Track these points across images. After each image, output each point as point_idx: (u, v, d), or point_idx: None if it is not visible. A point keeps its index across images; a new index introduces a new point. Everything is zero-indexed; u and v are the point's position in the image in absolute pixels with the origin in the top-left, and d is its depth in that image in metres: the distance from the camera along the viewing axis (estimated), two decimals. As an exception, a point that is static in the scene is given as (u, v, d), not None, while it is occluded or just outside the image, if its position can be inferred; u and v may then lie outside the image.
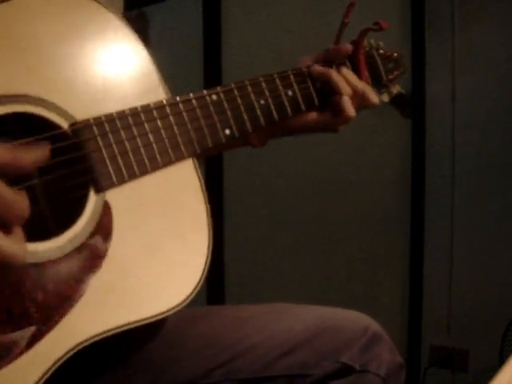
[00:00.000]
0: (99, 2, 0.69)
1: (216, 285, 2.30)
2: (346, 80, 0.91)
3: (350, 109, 0.90)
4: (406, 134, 2.03)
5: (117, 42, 0.70)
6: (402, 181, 2.06)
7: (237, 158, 2.12)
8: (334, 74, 0.90)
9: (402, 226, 2.08)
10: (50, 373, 0.60)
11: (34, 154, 0.57)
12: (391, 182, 2.10)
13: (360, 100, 0.92)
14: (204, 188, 0.75)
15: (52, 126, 0.64)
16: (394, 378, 0.83)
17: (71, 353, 0.61)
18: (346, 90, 0.90)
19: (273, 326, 0.82)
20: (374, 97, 0.93)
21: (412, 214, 2.05)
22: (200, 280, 0.72)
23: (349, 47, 0.92)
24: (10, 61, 0.62)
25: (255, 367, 0.79)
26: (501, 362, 1.83)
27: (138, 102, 0.70)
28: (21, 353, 0.58)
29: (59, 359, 0.61)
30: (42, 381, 0.59)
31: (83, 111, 0.66)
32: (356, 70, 0.94)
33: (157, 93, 0.73)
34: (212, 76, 2.25)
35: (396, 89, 1.03)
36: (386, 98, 1.02)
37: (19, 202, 0.55)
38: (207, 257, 0.73)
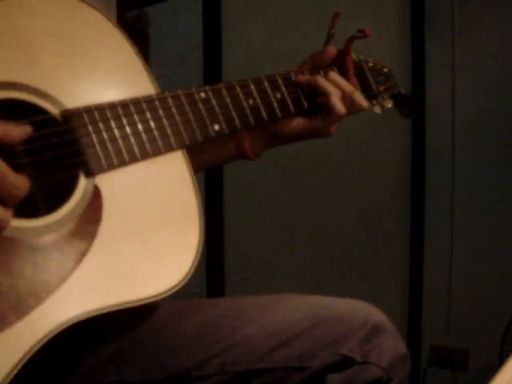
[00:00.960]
0: (90, 5, 0.72)
1: (216, 278, 2.30)
2: (333, 83, 0.92)
3: (339, 106, 0.90)
4: (406, 133, 2.03)
5: (106, 40, 0.73)
6: (402, 181, 2.06)
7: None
8: (319, 78, 0.91)
9: (401, 226, 2.08)
10: (37, 347, 0.60)
11: (20, 129, 0.60)
12: (391, 182, 2.10)
13: (349, 103, 0.93)
14: (195, 180, 0.76)
15: (43, 112, 0.66)
16: (397, 368, 0.82)
17: (58, 330, 0.62)
18: (333, 90, 0.91)
19: (269, 316, 0.81)
20: (362, 100, 0.94)
21: (412, 213, 2.06)
22: (191, 268, 0.72)
23: (333, 50, 0.94)
24: (2, 52, 0.64)
25: (250, 359, 0.78)
26: (501, 362, 1.83)
27: (126, 96, 0.73)
28: (7, 326, 0.59)
29: (48, 334, 0.61)
30: (28, 356, 0.59)
31: (74, 102, 0.68)
32: (344, 76, 0.95)
33: (145, 88, 0.75)
34: (212, 76, 2.25)
35: (388, 104, 1.05)
36: (378, 110, 1.04)
37: (19, 182, 0.58)
38: (198, 245, 0.74)
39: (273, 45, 2.16)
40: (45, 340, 0.61)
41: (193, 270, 0.72)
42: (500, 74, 1.89)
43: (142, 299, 0.68)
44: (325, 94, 0.91)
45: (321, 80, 0.91)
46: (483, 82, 1.91)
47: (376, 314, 0.83)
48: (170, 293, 0.70)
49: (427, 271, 2.06)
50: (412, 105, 1.96)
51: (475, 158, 1.96)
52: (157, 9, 2.32)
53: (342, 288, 2.15)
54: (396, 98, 1.08)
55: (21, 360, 0.59)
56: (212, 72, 2.25)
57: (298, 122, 0.92)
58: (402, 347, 0.83)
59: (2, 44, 0.64)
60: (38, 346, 0.60)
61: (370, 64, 1.02)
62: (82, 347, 0.76)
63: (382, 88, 1.03)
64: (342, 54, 0.96)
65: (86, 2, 0.71)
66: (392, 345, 0.82)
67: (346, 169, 2.13)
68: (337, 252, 2.17)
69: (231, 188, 2.31)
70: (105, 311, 0.65)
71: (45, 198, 0.66)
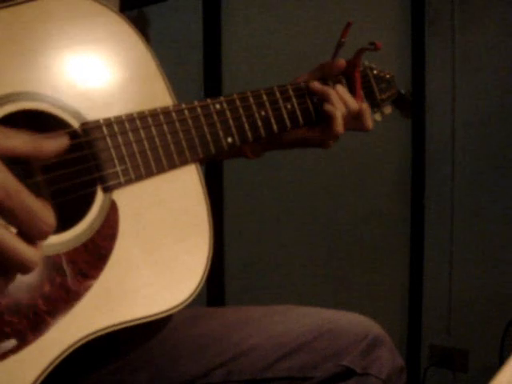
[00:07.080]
0: (111, 9, 0.71)
1: (216, 284, 2.30)
2: (340, 98, 0.94)
3: (339, 126, 0.93)
4: (406, 133, 2.03)
5: (126, 48, 0.73)
6: (402, 181, 2.06)
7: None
8: (332, 91, 0.93)
9: (402, 226, 2.08)
10: (54, 364, 0.61)
11: (54, 144, 0.57)
12: (391, 182, 2.10)
13: (352, 120, 0.96)
14: (207, 194, 0.77)
15: (63, 124, 0.66)
16: (395, 380, 0.83)
17: (77, 345, 0.63)
18: (341, 108, 0.93)
19: (274, 327, 0.82)
20: (369, 121, 0.97)
21: (412, 213, 2.06)
22: (200, 282, 0.74)
23: (343, 62, 0.95)
24: (23, 60, 0.63)
25: (255, 368, 0.79)
26: (501, 362, 1.83)
27: (144, 107, 0.72)
28: (26, 344, 0.59)
29: (64, 351, 0.61)
30: (46, 373, 0.60)
31: (93, 112, 0.68)
32: (352, 88, 0.97)
33: (163, 98, 0.75)
34: (212, 76, 2.25)
35: (388, 110, 1.07)
36: (378, 117, 1.06)
37: (47, 217, 0.53)
38: (208, 259, 0.75)
39: (272, 45, 2.16)
40: (61, 357, 0.61)
41: (202, 284, 0.74)
42: (500, 74, 1.89)
43: (155, 314, 0.69)
44: (332, 110, 0.92)
45: (333, 94, 0.93)
46: (483, 82, 1.91)
47: (375, 328, 0.85)
48: (180, 307, 0.71)
49: (427, 271, 2.06)
50: (412, 105, 1.96)
51: (475, 158, 1.96)
52: (157, 9, 2.32)
53: (342, 288, 2.15)
54: (396, 98, 1.08)
55: (39, 376, 0.59)
56: (212, 72, 2.25)
57: (300, 132, 0.95)
58: (399, 360, 0.85)
59: (19, 52, 0.63)
60: (57, 362, 0.61)
61: (375, 71, 1.04)
62: (93, 358, 0.76)
63: (384, 96, 1.05)
64: (351, 66, 0.96)
65: (107, 6, 0.70)
66: (390, 357, 0.83)
67: (345, 169, 2.13)
68: (336, 251, 2.17)
69: (231, 191, 2.31)
70: (118, 327, 0.66)
71: (59, 212, 0.65)
